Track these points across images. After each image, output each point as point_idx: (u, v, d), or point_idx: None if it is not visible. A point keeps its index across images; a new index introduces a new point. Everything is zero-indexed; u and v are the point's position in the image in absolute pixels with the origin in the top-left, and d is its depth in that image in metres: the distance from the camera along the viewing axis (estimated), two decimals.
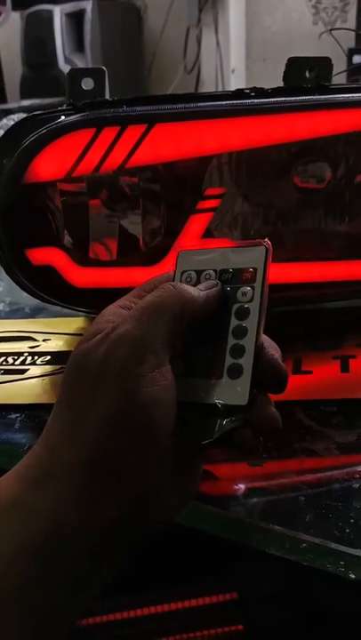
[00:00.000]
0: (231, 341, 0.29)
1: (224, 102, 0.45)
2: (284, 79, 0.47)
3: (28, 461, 0.27)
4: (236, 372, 0.28)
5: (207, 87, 1.51)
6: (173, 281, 0.30)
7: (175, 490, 0.27)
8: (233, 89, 1.29)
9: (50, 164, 0.44)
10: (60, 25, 1.66)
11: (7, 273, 0.46)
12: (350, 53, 1.40)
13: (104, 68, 0.48)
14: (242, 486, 0.34)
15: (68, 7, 1.67)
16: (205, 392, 0.28)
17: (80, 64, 1.64)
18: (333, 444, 0.36)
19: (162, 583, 0.70)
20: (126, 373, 0.25)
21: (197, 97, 0.46)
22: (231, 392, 0.28)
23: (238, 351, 0.29)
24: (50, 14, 1.66)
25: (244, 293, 0.29)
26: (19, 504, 0.25)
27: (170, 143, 0.44)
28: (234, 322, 0.29)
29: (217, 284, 0.30)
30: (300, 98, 0.45)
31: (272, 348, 0.29)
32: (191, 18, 1.45)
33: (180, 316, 0.27)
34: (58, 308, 0.52)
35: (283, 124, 0.44)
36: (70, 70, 0.48)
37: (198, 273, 0.31)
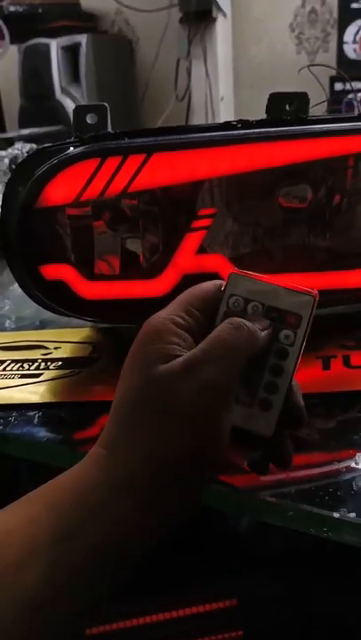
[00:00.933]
0: (267, 377, 0.32)
1: (214, 133, 0.51)
2: (267, 112, 0.53)
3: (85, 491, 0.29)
4: (266, 405, 0.31)
5: (198, 114, 1.58)
6: (222, 300, 0.33)
7: None
8: (222, 116, 1.36)
9: (60, 191, 0.49)
10: (57, 58, 1.73)
11: (22, 288, 0.52)
12: (332, 81, 1.47)
13: (106, 104, 0.54)
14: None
15: (64, 41, 1.75)
16: (236, 416, 0.31)
17: (76, 94, 1.71)
18: (315, 430, 0.41)
19: (162, 591, 0.73)
20: (213, 416, 0.29)
21: (190, 129, 0.52)
22: (259, 422, 0.31)
23: (272, 387, 0.32)
24: (47, 47, 1.74)
25: (287, 336, 0.32)
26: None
27: (166, 170, 0.50)
28: (273, 359, 0.32)
29: (270, 325, 0.32)
30: (281, 129, 0.51)
31: (298, 391, 0.33)
32: (181, 50, 1.53)
33: (249, 357, 0.31)
34: (64, 321, 0.57)
35: (266, 151, 0.50)
36: (76, 107, 0.54)
37: (246, 301, 0.33)
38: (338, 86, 1.43)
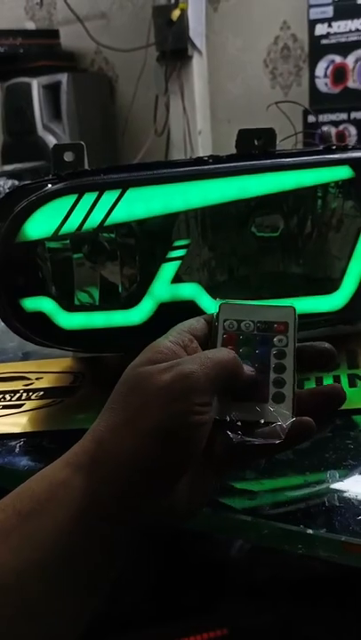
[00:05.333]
0: (273, 375, 0.36)
1: (186, 168, 0.53)
2: (236, 146, 0.55)
3: (76, 449, 0.32)
4: (280, 397, 0.36)
5: (177, 148, 1.62)
6: (217, 326, 0.38)
7: (191, 496, 0.33)
8: (201, 149, 1.39)
9: (39, 226, 0.51)
10: (38, 96, 1.78)
11: (4, 321, 0.53)
12: (305, 114, 1.53)
13: (82, 143, 0.56)
14: None
15: (45, 80, 1.80)
16: (256, 412, 0.35)
17: (57, 130, 1.75)
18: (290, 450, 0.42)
19: (152, 622, 0.73)
20: (184, 399, 0.31)
21: (163, 164, 0.55)
22: (278, 412, 0.35)
23: (280, 382, 0.36)
24: (28, 86, 1.78)
25: (280, 340, 0.38)
26: (66, 485, 0.31)
27: (141, 204, 0.52)
28: (274, 361, 0.37)
29: (253, 372, 0.36)
30: (250, 163, 0.53)
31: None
32: (159, 87, 1.58)
33: (232, 378, 0.34)
34: (46, 352, 0.59)
35: (236, 184, 0.52)
36: (54, 146, 0.56)
37: (238, 322, 0.38)
38: (311, 118, 1.48)
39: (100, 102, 1.94)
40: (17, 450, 0.46)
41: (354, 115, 1.44)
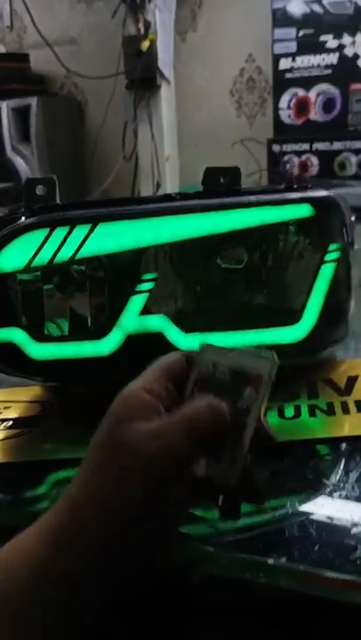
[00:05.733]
0: (231, 433, 0.34)
1: (155, 205, 0.55)
2: (203, 184, 0.58)
3: (49, 520, 0.32)
4: (232, 458, 0.34)
5: (145, 173, 1.65)
6: (195, 369, 0.37)
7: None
8: (168, 174, 1.42)
9: (11, 259, 0.52)
10: (7, 118, 1.79)
11: None
12: (269, 143, 1.58)
13: (54, 177, 0.57)
14: None
15: (14, 102, 1.82)
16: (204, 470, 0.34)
17: (26, 153, 1.76)
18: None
19: None
20: (168, 475, 0.31)
21: (133, 200, 0.57)
22: (225, 472, 0.34)
23: (236, 442, 0.34)
24: None
25: (250, 394, 0.35)
26: (40, 561, 0.31)
27: (111, 238, 0.53)
28: (238, 416, 0.34)
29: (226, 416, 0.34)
30: (217, 200, 0.55)
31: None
32: (127, 114, 1.61)
33: (216, 439, 0.34)
34: (15, 380, 0.59)
35: (203, 221, 0.55)
36: (26, 179, 0.57)
37: (215, 366, 0.36)
38: (275, 148, 1.53)
39: (70, 126, 1.96)
40: None
41: (316, 145, 1.50)
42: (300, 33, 1.49)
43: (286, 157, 1.52)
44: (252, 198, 0.56)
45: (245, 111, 1.77)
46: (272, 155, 1.51)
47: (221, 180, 0.58)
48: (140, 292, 0.54)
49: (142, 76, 1.55)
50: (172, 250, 0.55)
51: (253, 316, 0.57)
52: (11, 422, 0.54)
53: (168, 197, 0.57)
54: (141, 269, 0.54)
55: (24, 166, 1.72)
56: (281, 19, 1.49)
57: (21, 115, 1.80)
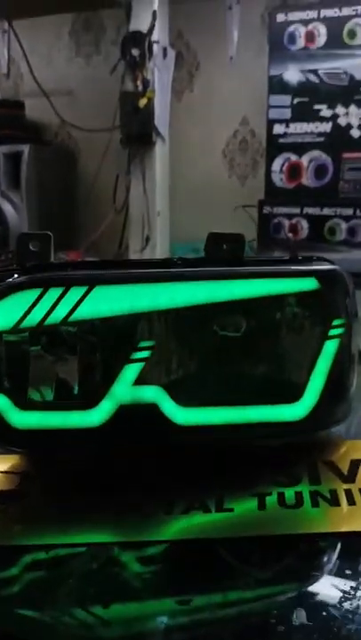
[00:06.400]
0: None
1: (155, 270, 0.52)
2: (205, 250, 0.56)
3: None
4: None
5: (135, 227, 1.65)
6: None
7: None
8: (159, 229, 1.41)
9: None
10: None
11: None
12: (260, 204, 1.59)
13: (50, 233, 0.55)
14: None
15: (6, 148, 1.82)
16: None
17: (15, 200, 1.75)
18: (252, 580, 0.40)
19: None
20: None
21: (132, 263, 0.54)
22: None
23: None
24: None
25: None
26: None
27: (107, 302, 0.50)
28: None
29: None
30: (219, 269, 0.53)
31: None
32: (120, 168, 1.62)
33: None
34: None
35: (205, 289, 0.52)
36: (20, 235, 0.55)
37: None
38: (266, 209, 1.54)
39: (61, 175, 1.96)
40: None
41: (306, 210, 1.51)
42: (295, 100, 1.53)
43: (277, 220, 1.53)
44: (257, 269, 0.54)
45: (237, 171, 1.80)
46: (263, 216, 1.52)
47: (225, 246, 0.56)
48: (136, 360, 0.51)
49: (138, 132, 1.56)
50: (170, 317, 0.52)
51: (252, 391, 0.54)
52: None
53: (169, 262, 0.54)
54: (138, 336, 0.51)
55: (12, 212, 1.70)
56: (277, 86, 1.53)
57: (13, 161, 1.80)
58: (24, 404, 0.49)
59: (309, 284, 0.54)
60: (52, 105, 1.85)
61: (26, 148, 1.78)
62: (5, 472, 0.53)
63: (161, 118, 1.59)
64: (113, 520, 0.47)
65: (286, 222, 1.53)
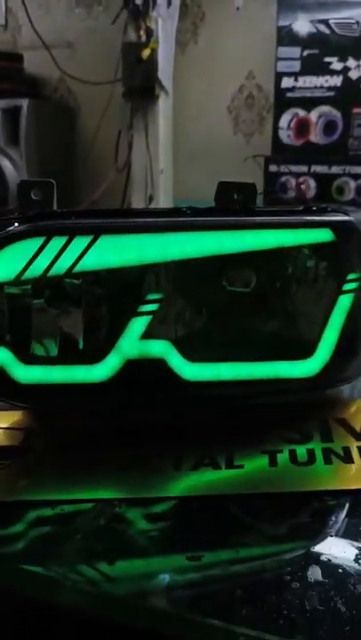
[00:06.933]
0: None
1: (163, 219, 0.50)
2: (216, 200, 0.53)
3: None
4: None
5: (137, 185, 1.61)
6: None
7: None
8: (162, 188, 1.38)
9: (0, 269, 0.46)
10: None
11: None
12: (267, 162, 1.55)
13: (52, 181, 0.52)
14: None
15: (4, 103, 1.76)
16: None
17: (14, 156, 1.70)
18: (264, 537, 0.39)
19: None
20: None
21: (139, 212, 0.52)
22: None
23: None
24: None
25: None
26: None
27: (114, 252, 0.48)
28: None
29: None
30: (231, 218, 0.51)
31: None
32: (123, 123, 1.57)
33: None
34: None
35: (215, 240, 0.50)
36: (20, 181, 0.52)
37: None
38: (272, 168, 1.50)
39: (61, 131, 1.91)
40: None
41: (314, 168, 1.47)
42: (305, 52, 1.47)
43: (283, 178, 1.49)
44: (270, 219, 0.52)
45: (242, 128, 1.74)
46: (269, 175, 1.48)
47: (235, 196, 0.53)
48: (143, 313, 0.49)
49: (141, 85, 1.51)
50: (178, 269, 0.50)
51: (263, 346, 0.53)
52: None
53: (178, 211, 0.52)
54: (145, 288, 0.49)
55: (11, 169, 1.66)
56: (286, 37, 1.47)
57: (11, 116, 1.74)
58: (27, 358, 0.48)
59: (324, 235, 0.52)
60: (53, 57, 1.78)
61: (25, 103, 1.72)
62: (8, 428, 0.52)
63: (165, 70, 1.53)
64: (119, 476, 0.45)
65: (293, 181, 1.49)
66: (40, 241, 0.47)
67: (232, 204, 0.52)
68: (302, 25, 1.45)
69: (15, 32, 2.05)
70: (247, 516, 0.41)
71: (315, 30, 1.44)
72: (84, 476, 0.46)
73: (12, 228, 0.48)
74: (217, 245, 0.50)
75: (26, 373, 0.47)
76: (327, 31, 1.41)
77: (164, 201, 1.59)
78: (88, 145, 1.85)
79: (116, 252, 0.48)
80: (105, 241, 0.48)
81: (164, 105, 1.61)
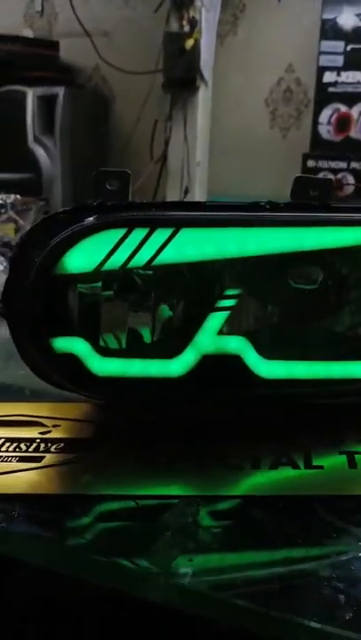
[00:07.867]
0: None
1: (244, 213, 0.49)
2: (292, 195, 0.52)
3: None
4: None
5: (173, 177, 1.60)
6: None
7: None
8: (197, 181, 1.35)
9: (81, 259, 0.46)
10: (32, 106, 1.72)
11: (27, 362, 0.47)
12: (304, 158, 1.53)
13: (128, 171, 0.51)
14: None
15: (41, 90, 1.75)
16: None
17: (49, 145, 1.70)
18: (355, 539, 0.38)
19: None
20: None
21: (218, 206, 0.51)
22: None
23: None
24: (23, 95, 1.72)
25: None
26: None
27: (193, 246, 0.47)
28: None
29: None
30: (311, 214, 0.50)
31: None
32: (161, 113, 1.55)
33: None
34: (56, 392, 0.52)
35: (295, 236, 0.49)
36: (97, 171, 0.51)
37: None
38: (310, 163, 1.48)
39: (95, 121, 1.90)
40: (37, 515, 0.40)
41: (353, 164, 1.45)
42: (349, 47, 1.45)
43: (322, 174, 1.47)
44: (351, 216, 0.51)
45: (279, 122, 1.72)
46: (307, 170, 1.46)
47: (311, 192, 0.52)
48: (221, 308, 0.48)
49: (182, 76, 1.49)
50: (258, 264, 0.49)
51: (338, 346, 0.52)
52: (62, 444, 0.47)
53: (257, 206, 0.51)
54: (224, 283, 0.48)
55: (45, 158, 1.65)
56: (330, 30, 1.45)
57: (47, 104, 1.73)
58: (105, 350, 0.47)
59: None
60: (94, 44, 1.77)
61: (61, 91, 1.71)
62: (79, 420, 0.52)
63: (206, 61, 1.51)
64: (197, 473, 0.45)
65: (331, 177, 1.47)
66: (121, 232, 0.46)
67: (309, 200, 0.51)
68: (347, 18, 1.43)
69: (51, 19, 2.04)
70: (335, 518, 0.40)
71: (360, 24, 1.42)
72: (161, 472, 0.45)
73: (92, 218, 0.47)
74: (296, 242, 0.49)
75: (103, 366, 0.47)
76: None
77: (199, 194, 1.57)
78: (123, 135, 1.84)
79: (196, 245, 0.47)
80: (185, 234, 0.47)
81: (203, 96, 1.59)
